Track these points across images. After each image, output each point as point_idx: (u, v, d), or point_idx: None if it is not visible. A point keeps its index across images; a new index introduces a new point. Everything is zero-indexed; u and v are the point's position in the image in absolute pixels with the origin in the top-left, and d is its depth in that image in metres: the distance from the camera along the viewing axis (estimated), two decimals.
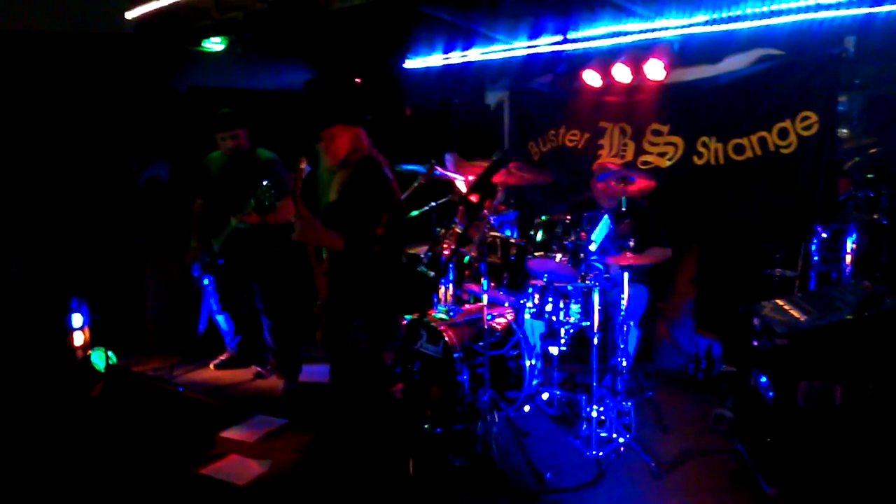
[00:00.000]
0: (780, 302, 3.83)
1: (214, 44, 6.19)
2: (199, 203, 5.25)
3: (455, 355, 4.33)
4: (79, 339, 5.08)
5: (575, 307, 4.41)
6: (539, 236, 4.37)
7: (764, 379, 3.65)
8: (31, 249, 5.33)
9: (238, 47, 6.31)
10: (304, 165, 3.42)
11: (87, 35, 5.83)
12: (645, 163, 5.68)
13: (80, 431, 4.05)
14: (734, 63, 5.20)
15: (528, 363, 4.61)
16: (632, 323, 4.57)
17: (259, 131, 5.08)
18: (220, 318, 5.51)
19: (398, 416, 3.51)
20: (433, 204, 5.25)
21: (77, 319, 5.07)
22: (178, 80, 6.39)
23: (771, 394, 3.55)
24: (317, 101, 3.47)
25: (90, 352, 5.08)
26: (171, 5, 5.41)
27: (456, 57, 6.64)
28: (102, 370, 4.82)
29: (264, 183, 4.67)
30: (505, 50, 6.29)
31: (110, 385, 4.26)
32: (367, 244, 3.35)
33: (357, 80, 6.61)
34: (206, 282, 5.32)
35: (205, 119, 5.02)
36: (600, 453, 4.07)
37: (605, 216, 4.29)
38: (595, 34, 5.61)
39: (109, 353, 5.06)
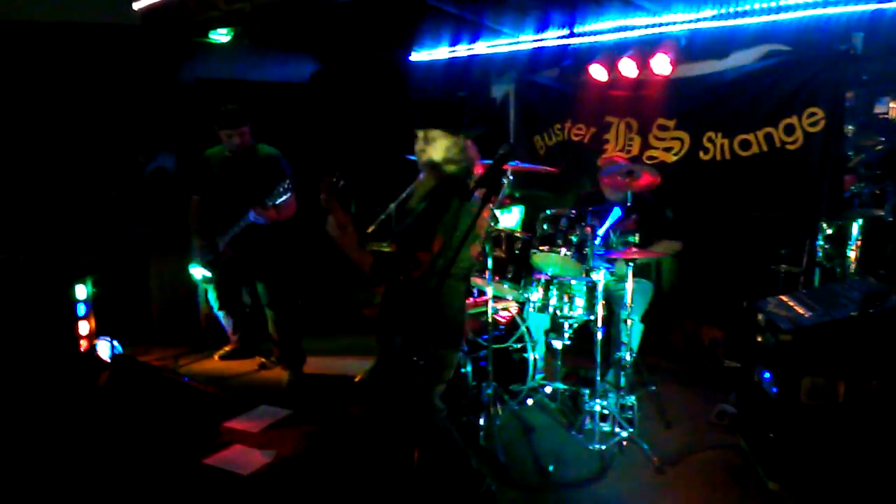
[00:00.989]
0: (784, 298, 3.83)
1: (221, 35, 6.20)
2: (197, 200, 5.21)
3: None
4: (84, 328, 5.10)
5: (579, 301, 4.41)
6: (544, 230, 4.37)
7: (767, 375, 3.66)
8: (37, 239, 5.35)
9: (245, 39, 6.32)
10: (340, 182, 3.20)
11: (94, 25, 5.84)
12: (651, 157, 5.68)
13: (86, 421, 4.07)
14: (741, 58, 5.19)
15: (531, 357, 4.63)
16: (635, 317, 4.57)
17: (264, 124, 5.08)
18: (220, 315, 5.54)
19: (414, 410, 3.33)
20: None
21: (82, 309, 5.09)
22: (184, 71, 6.39)
23: (774, 389, 3.56)
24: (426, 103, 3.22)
25: (96, 341, 5.10)
26: None
27: (462, 50, 6.64)
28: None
29: (279, 189, 4.61)
30: (511, 43, 6.28)
31: (115, 375, 4.27)
32: (404, 266, 3.04)
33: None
34: (202, 281, 5.31)
35: (210, 114, 4.99)
36: (603, 447, 4.08)
37: (617, 208, 4.30)
38: (601, 28, 5.61)
39: (115, 343, 5.09)
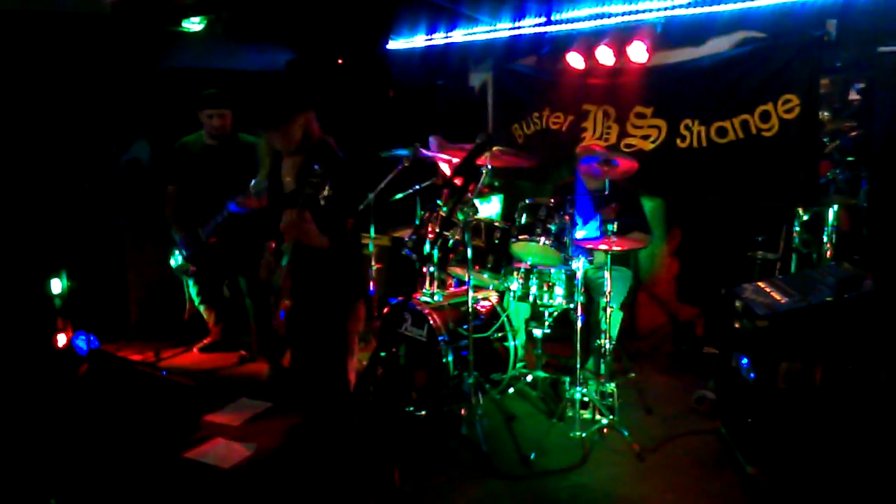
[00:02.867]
0: (761, 284, 3.87)
1: (194, 24, 6.10)
2: (173, 190, 5.10)
3: (440, 338, 4.35)
4: (61, 323, 5.03)
5: (559, 290, 4.43)
6: (523, 219, 4.38)
7: (745, 360, 3.70)
8: (10, 232, 5.26)
9: (218, 27, 6.23)
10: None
11: (63, 14, 5.72)
12: (628, 145, 5.69)
13: (64, 416, 4.02)
14: (717, 45, 5.20)
15: (512, 346, 4.64)
16: (615, 305, 4.59)
17: (240, 113, 5.01)
18: (201, 308, 5.48)
19: (377, 400, 3.48)
20: (417, 187, 5.23)
21: (58, 304, 5.02)
22: (157, 60, 6.30)
23: (752, 375, 3.60)
24: (275, 94, 3.42)
25: (73, 336, 5.04)
26: None
27: (439, 38, 6.60)
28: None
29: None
30: (488, 31, 6.26)
31: (93, 369, 4.22)
32: (344, 236, 3.35)
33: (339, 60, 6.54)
34: (181, 273, 5.23)
35: (190, 97, 4.89)
36: (584, 434, 4.11)
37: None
38: (578, 16, 5.60)
39: (92, 338, 5.03)
